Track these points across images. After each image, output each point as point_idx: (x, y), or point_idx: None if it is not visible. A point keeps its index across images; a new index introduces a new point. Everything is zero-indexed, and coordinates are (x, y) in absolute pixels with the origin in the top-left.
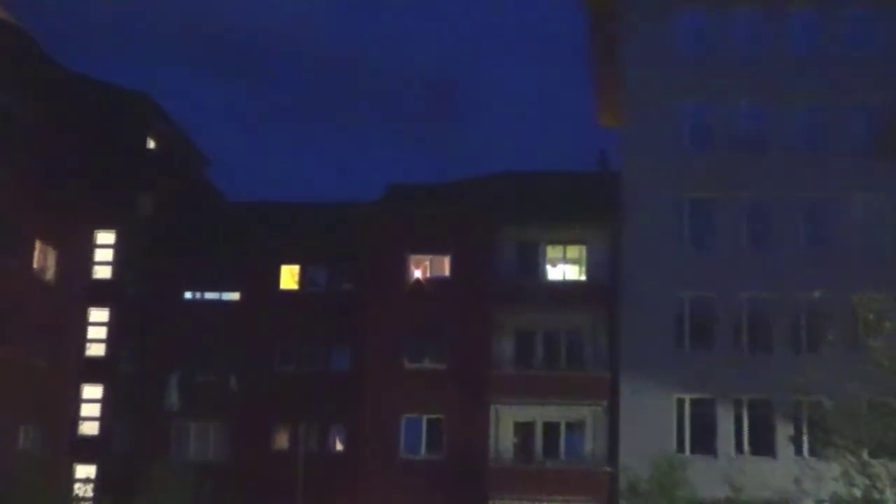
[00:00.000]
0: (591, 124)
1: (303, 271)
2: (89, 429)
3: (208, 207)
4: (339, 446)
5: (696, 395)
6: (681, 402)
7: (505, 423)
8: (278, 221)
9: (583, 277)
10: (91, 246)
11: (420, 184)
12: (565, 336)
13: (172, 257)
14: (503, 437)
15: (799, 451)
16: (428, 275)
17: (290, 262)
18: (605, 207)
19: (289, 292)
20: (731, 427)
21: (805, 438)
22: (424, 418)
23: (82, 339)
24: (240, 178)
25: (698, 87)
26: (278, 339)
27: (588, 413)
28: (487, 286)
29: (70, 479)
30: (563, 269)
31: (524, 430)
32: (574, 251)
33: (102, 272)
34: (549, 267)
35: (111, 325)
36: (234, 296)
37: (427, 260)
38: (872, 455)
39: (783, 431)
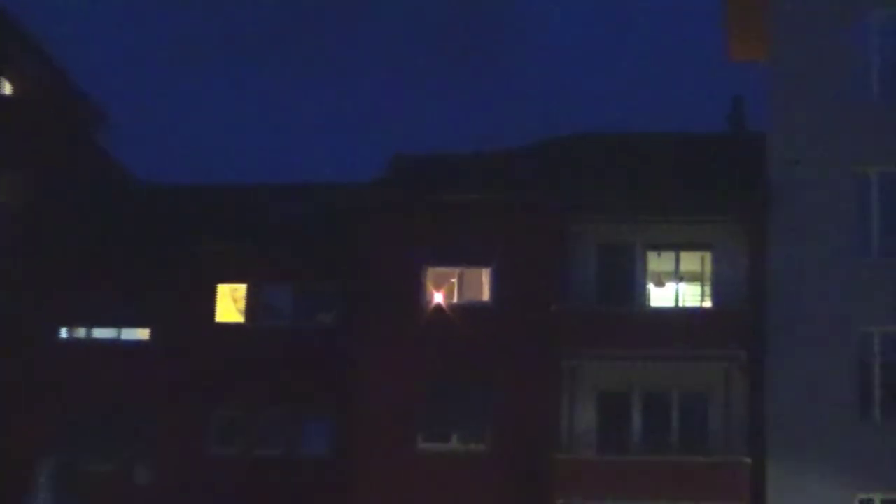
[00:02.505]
0: (719, 58)
1: (253, 293)
2: None
3: (102, 193)
4: None
5: (894, 495)
6: None
7: None
8: (216, 214)
9: (707, 303)
10: None
11: (443, 154)
12: (679, 398)
13: (40, 273)
14: None
15: None
16: (455, 299)
17: (232, 278)
18: (741, 190)
19: (230, 328)
20: None
21: None
22: None
23: None
24: (158, 147)
25: None
26: (213, 405)
27: None
28: (553, 318)
29: None
30: (676, 290)
31: None
32: (692, 261)
33: None
34: (651, 286)
35: None
36: (142, 334)
37: (454, 275)
38: None
39: None
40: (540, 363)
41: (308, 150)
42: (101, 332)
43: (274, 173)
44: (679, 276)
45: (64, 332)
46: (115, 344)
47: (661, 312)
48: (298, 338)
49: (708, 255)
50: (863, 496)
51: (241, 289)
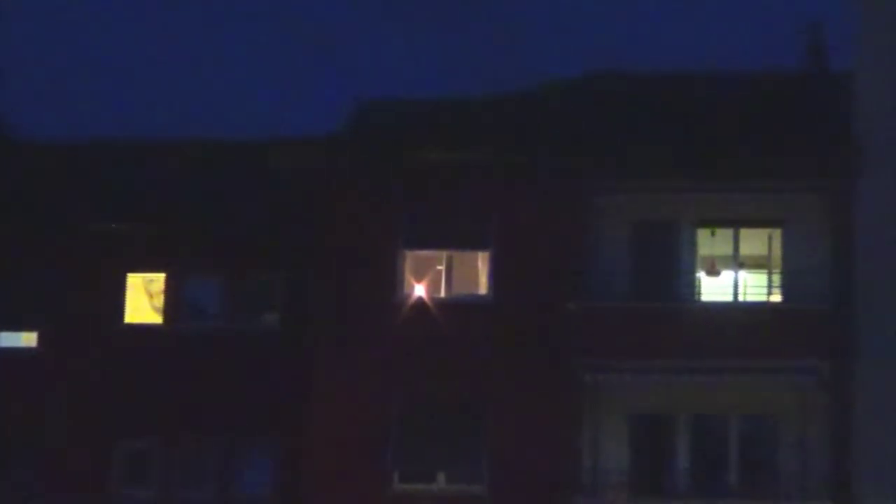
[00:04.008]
0: None
1: (173, 286)
2: None
3: None
4: None
5: None
6: None
7: None
8: (124, 181)
9: (775, 298)
10: None
11: (422, 101)
12: (739, 425)
13: None
14: None
15: None
16: (442, 293)
17: (146, 266)
18: (822, 148)
19: (144, 331)
20: None
21: None
22: None
23: None
24: (48, 95)
25: None
26: (122, 431)
27: None
28: (571, 318)
29: None
30: (735, 281)
31: None
32: (757, 241)
33: None
34: (701, 276)
35: None
36: (27, 339)
37: (440, 261)
38: None
39: None
40: (554, 378)
41: (243, 97)
42: None
43: (200, 127)
44: (739, 262)
45: None
46: None
47: (715, 310)
48: (233, 344)
49: (777, 234)
50: None
51: (157, 280)
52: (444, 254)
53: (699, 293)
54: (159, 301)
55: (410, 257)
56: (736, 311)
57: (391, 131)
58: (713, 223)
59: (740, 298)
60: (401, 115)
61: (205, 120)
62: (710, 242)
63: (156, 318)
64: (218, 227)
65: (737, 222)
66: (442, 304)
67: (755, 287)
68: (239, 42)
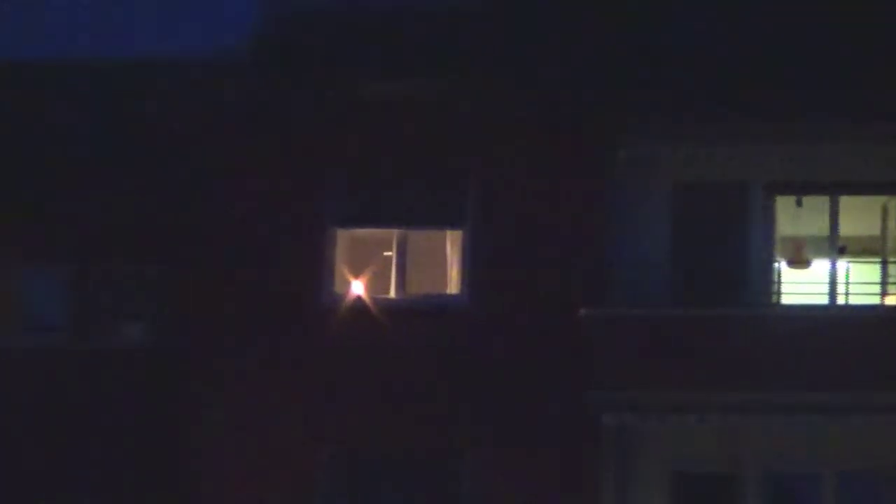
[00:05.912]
0: None
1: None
2: None
3: None
4: None
5: None
6: None
7: None
8: None
9: (893, 299)
10: None
11: (363, 8)
12: (837, 486)
13: None
14: None
15: None
16: (393, 292)
17: None
18: None
19: None
20: None
21: None
22: None
23: None
24: None
25: None
26: None
27: None
28: (584, 329)
29: None
30: (832, 274)
31: None
32: (865, 215)
33: None
34: (781, 266)
35: None
36: None
37: (390, 245)
38: None
39: None
40: (561, 417)
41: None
42: None
43: (25, 41)
44: (838, 247)
45: None
46: None
47: (802, 318)
48: (81, 367)
49: (894, 205)
50: None
51: None
52: (394, 234)
53: (778, 293)
54: None
55: (345, 239)
56: (833, 320)
57: (315, 52)
58: (799, 188)
59: (840, 300)
60: (329, 29)
61: (30, 31)
62: (794, 217)
63: None
64: (57, 196)
65: (835, 187)
66: (392, 309)
67: (862, 283)
68: None
